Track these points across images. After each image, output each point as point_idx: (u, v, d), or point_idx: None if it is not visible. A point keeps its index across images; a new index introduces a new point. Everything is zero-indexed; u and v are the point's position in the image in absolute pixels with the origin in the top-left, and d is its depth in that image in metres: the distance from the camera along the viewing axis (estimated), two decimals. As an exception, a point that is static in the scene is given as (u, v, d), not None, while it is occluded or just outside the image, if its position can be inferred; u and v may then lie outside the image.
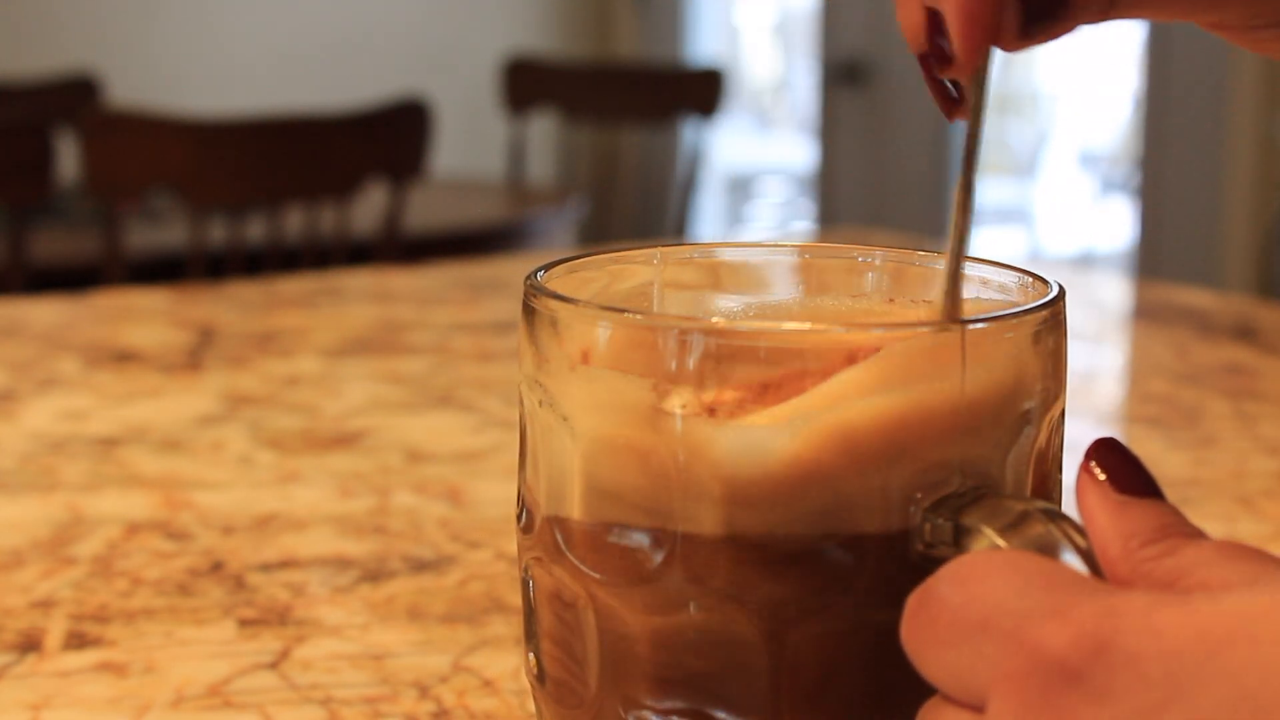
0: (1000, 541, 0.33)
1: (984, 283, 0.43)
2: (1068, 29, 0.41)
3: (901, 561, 0.36)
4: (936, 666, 0.31)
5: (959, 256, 0.39)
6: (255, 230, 2.14)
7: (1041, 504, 0.34)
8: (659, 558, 0.37)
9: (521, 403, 0.41)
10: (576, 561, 0.38)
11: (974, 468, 0.36)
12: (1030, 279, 0.41)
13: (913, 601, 0.32)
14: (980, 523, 0.34)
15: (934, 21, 0.40)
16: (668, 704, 0.38)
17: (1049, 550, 0.32)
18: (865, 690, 0.37)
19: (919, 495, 0.36)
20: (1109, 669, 0.28)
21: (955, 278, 0.39)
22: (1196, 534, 0.32)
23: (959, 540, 0.35)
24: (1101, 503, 0.33)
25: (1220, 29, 0.43)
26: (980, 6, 0.38)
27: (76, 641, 0.58)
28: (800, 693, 0.37)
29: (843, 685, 0.37)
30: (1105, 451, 0.34)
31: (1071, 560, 0.32)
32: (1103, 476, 0.33)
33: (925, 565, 0.35)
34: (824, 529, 0.36)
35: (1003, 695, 0.29)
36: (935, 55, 0.40)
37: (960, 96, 0.40)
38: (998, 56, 0.40)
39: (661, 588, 0.37)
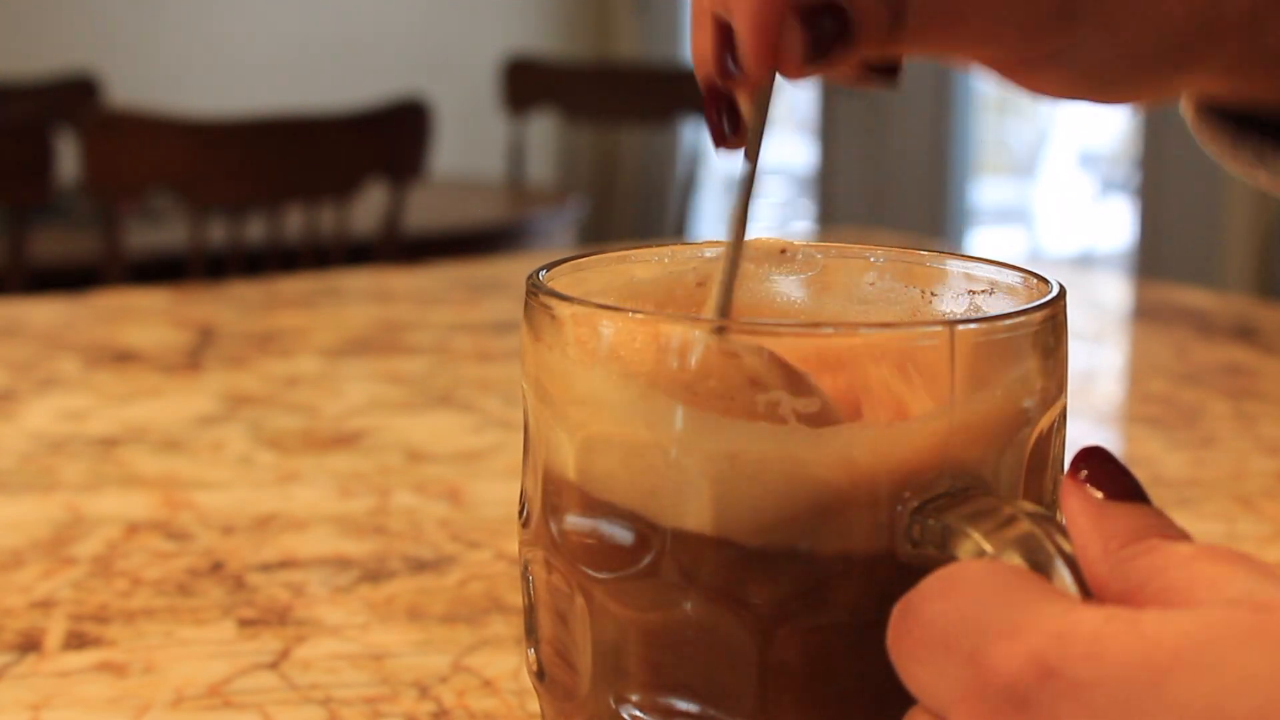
0: (985, 545, 0.33)
1: (993, 284, 0.43)
2: (848, 60, 0.41)
3: (890, 561, 0.36)
4: (912, 679, 0.31)
5: (730, 280, 0.40)
6: (255, 230, 2.14)
7: (1029, 507, 0.34)
8: (650, 554, 0.37)
9: (525, 399, 0.41)
10: (570, 557, 0.39)
11: (965, 469, 0.36)
12: (1031, 279, 0.41)
13: (896, 612, 0.32)
14: (966, 525, 0.34)
15: (723, 41, 0.41)
16: (658, 699, 0.38)
17: (1033, 554, 0.32)
18: (854, 688, 0.37)
19: (907, 495, 0.36)
20: (1054, 696, 0.28)
21: (727, 295, 0.40)
22: (1178, 536, 0.32)
23: (945, 542, 0.35)
24: (1084, 506, 0.33)
25: (996, 65, 0.44)
26: (769, 19, 0.39)
27: (76, 641, 0.58)
28: (789, 689, 0.37)
29: (831, 683, 0.37)
30: (1091, 458, 0.34)
31: (1056, 565, 0.32)
32: (1087, 482, 0.33)
33: (913, 565, 0.35)
34: (813, 527, 0.36)
35: (958, 716, 0.29)
36: (722, 72, 0.41)
37: (738, 127, 0.41)
38: (779, 85, 0.41)
39: (652, 584, 0.37)
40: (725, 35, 0.41)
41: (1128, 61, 0.44)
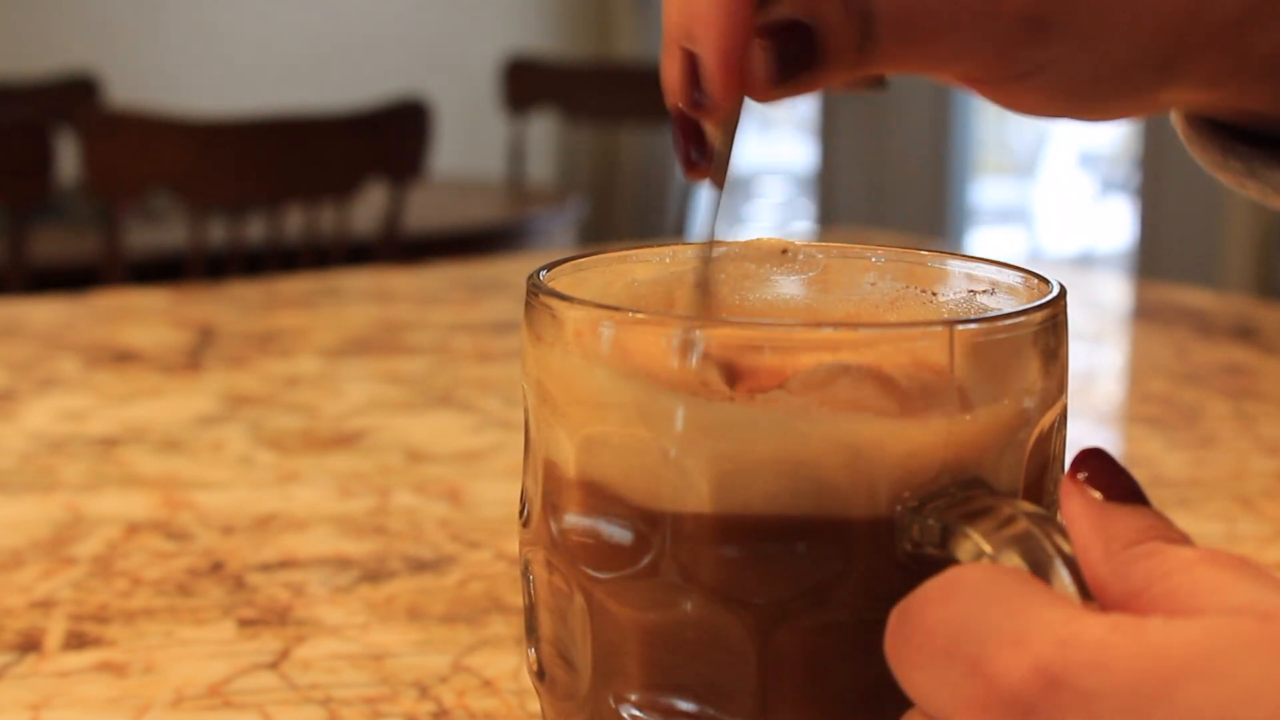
0: (985, 545, 0.33)
1: (994, 284, 0.43)
2: (819, 83, 0.41)
3: (889, 560, 0.36)
4: (912, 685, 0.31)
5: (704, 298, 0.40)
6: (255, 230, 2.14)
7: (1029, 507, 0.34)
8: (650, 554, 0.37)
9: (525, 399, 0.41)
10: (571, 556, 0.39)
11: (965, 468, 0.36)
12: (1031, 279, 0.41)
13: (894, 617, 0.32)
14: (966, 525, 0.34)
15: (690, 71, 0.40)
16: (658, 699, 0.38)
17: (1032, 554, 0.32)
18: (853, 687, 0.37)
19: (906, 494, 0.36)
20: (1060, 706, 0.28)
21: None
22: (1179, 539, 0.32)
23: (945, 542, 0.35)
24: (1085, 508, 0.33)
25: (970, 82, 0.44)
26: (734, 47, 0.39)
27: (76, 641, 0.58)
28: (788, 689, 0.37)
29: (830, 682, 0.37)
30: (1091, 460, 0.34)
31: (1056, 566, 0.32)
32: (1088, 483, 0.33)
33: (913, 565, 0.35)
34: (813, 527, 0.36)
35: None
36: (689, 102, 0.40)
37: (705, 156, 0.40)
38: (747, 109, 0.41)
39: (651, 584, 0.37)
40: (692, 64, 0.40)
41: (1106, 75, 0.43)
